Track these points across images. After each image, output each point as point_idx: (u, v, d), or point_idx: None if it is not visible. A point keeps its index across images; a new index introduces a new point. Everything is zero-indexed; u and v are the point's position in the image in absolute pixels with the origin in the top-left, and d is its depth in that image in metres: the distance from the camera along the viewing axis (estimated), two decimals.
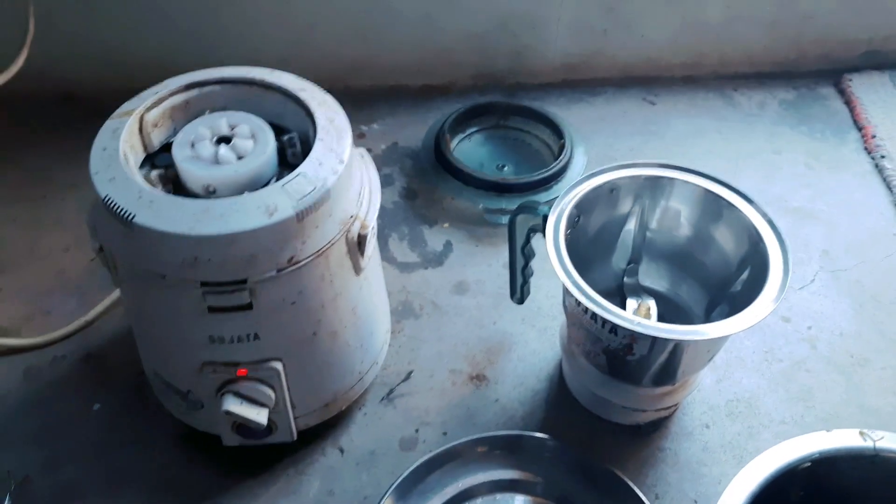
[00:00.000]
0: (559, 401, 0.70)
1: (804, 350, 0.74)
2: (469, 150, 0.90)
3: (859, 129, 0.94)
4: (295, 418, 0.62)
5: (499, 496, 0.63)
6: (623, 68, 1.00)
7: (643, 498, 0.60)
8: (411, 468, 0.63)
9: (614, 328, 0.58)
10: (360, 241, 0.57)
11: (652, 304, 0.67)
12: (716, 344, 0.60)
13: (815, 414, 0.69)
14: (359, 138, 0.93)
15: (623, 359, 0.61)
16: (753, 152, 0.92)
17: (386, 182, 0.89)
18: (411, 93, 0.99)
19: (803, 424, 0.69)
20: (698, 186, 0.62)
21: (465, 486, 0.63)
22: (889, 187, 0.88)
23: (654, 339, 0.57)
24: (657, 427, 0.68)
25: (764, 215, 0.60)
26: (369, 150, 0.92)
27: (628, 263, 0.69)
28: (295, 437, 0.63)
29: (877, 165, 0.90)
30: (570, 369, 0.69)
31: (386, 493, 0.61)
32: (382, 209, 0.86)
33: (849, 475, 0.53)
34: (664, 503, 0.63)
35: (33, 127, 0.92)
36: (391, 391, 0.71)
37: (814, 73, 1.01)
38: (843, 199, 0.88)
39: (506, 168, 0.89)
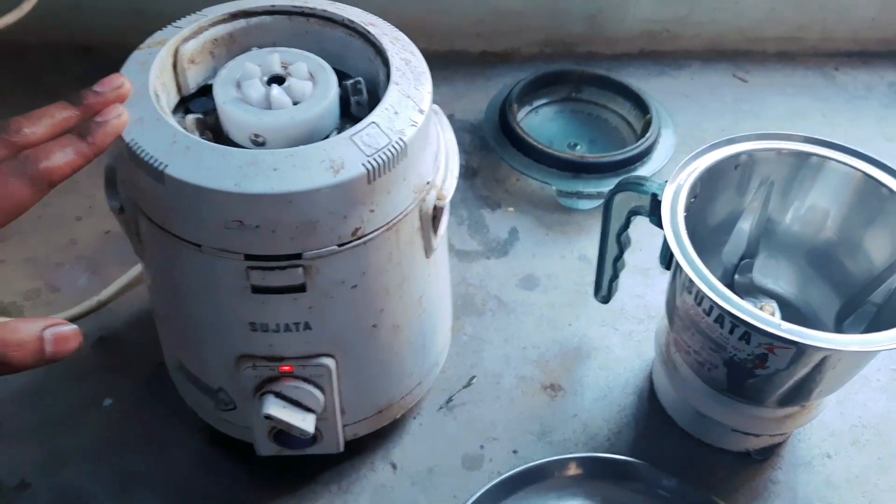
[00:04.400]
0: (650, 419, 0.59)
1: None
2: (537, 124, 0.79)
3: None
4: (344, 426, 0.52)
5: None
6: (711, 40, 0.88)
7: None
8: (482, 491, 0.52)
9: (747, 334, 0.47)
10: (436, 215, 0.47)
11: (774, 306, 0.56)
12: (866, 359, 0.49)
13: None
14: None
15: (751, 372, 0.49)
16: (862, 139, 0.81)
17: None
18: (470, 59, 0.88)
19: None
20: (856, 170, 0.51)
21: None
22: None
23: (803, 348, 0.46)
24: (768, 455, 0.57)
25: None
26: None
27: (741, 259, 0.58)
28: (342, 448, 0.52)
29: None
30: (667, 383, 0.58)
31: None
32: None
33: None
34: None
35: (48, 82, 0.81)
36: (451, 398, 0.60)
37: None
38: None
39: (578, 147, 0.78)
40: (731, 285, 0.58)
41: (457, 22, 0.87)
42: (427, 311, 0.52)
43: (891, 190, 0.49)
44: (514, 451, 0.57)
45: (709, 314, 0.48)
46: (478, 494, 0.52)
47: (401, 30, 0.49)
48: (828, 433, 0.59)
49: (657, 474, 0.54)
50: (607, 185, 0.64)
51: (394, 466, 0.56)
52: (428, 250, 0.48)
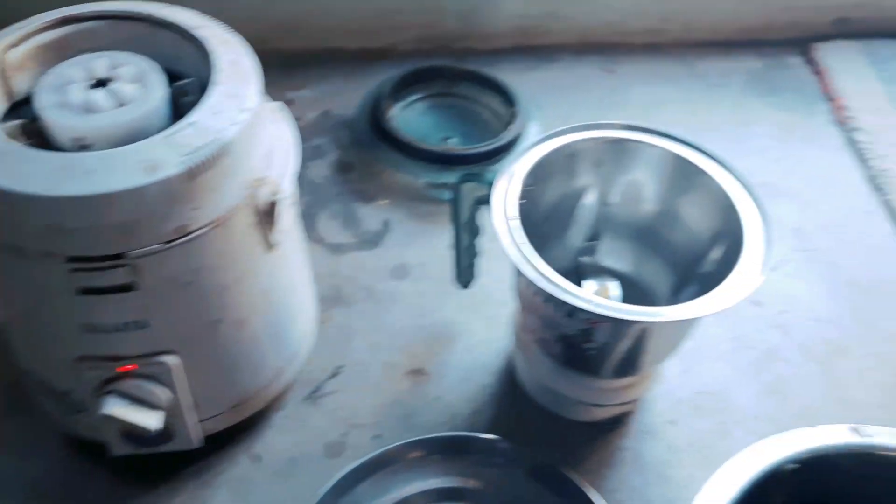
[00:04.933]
0: (510, 397, 0.62)
1: (776, 337, 0.68)
2: (411, 119, 0.82)
3: (829, 100, 0.88)
4: (200, 421, 0.53)
5: None
6: (581, 34, 0.92)
7: None
8: (336, 479, 0.54)
9: (572, 311, 0.50)
10: (271, 210, 0.48)
11: (613, 285, 0.59)
12: (687, 328, 0.53)
13: (791, 408, 0.62)
14: (286, 105, 0.84)
15: (581, 347, 0.52)
16: (719, 124, 0.85)
17: (316, 154, 0.79)
18: (347, 56, 0.89)
19: (779, 420, 0.62)
20: (667, 151, 0.55)
21: (400, 496, 0.54)
22: (862, 162, 0.82)
23: (618, 322, 0.49)
24: (617, 424, 0.61)
25: (742, 183, 0.52)
26: (298, 119, 0.82)
27: (586, 241, 0.61)
28: (198, 443, 0.53)
29: (849, 139, 0.84)
30: (522, 362, 0.61)
31: None
32: (312, 184, 0.77)
33: (839, 476, 0.46)
34: None
35: None
36: (316, 389, 0.62)
37: (781, 42, 0.94)
38: (815, 173, 0.81)
39: (452, 140, 0.80)
40: (577, 267, 0.61)
41: (334, 20, 0.89)
42: (276, 304, 0.53)
43: (698, 168, 0.53)
44: (378, 437, 0.59)
45: (539, 295, 0.51)
46: (333, 482, 0.54)
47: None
48: (672, 401, 0.62)
49: (512, 449, 0.56)
50: None
51: (255, 459, 0.57)
52: (269, 245, 0.50)
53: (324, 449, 0.58)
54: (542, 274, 0.48)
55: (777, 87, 0.90)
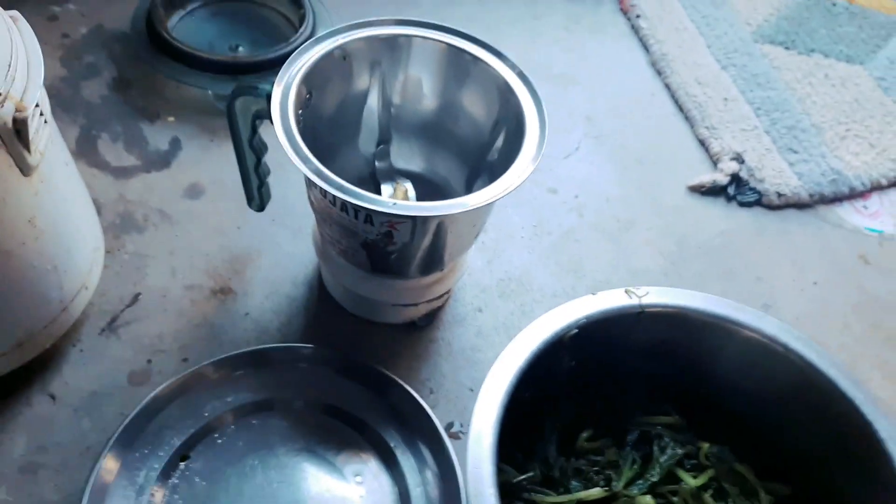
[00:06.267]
0: (321, 307, 0.62)
1: (573, 220, 0.71)
2: (193, 28, 0.76)
3: None
4: None
5: (255, 420, 0.54)
6: None
7: (413, 393, 0.54)
8: (140, 405, 0.52)
9: (369, 216, 0.49)
10: (20, 130, 0.44)
11: (408, 186, 0.60)
12: (479, 216, 0.54)
13: (587, 283, 0.67)
14: (49, 21, 0.76)
15: (384, 250, 0.53)
16: (514, 19, 0.86)
17: (90, 72, 0.73)
18: None
19: (575, 295, 0.64)
20: (440, 43, 0.54)
21: (211, 415, 0.53)
22: (645, 47, 0.86)
23: (415, 220, 0.49)
24: (430, 320, 0.62)
25: (514, 68, 0.53)
26: (66, 36, 0.75)
27: (377, 145, 0.61)
28: None
29: (633, 26, 0.88)
30: (328, 273, 0.61)
31: (111, 439, 0.50)
32: (88, 105, 0.71)
33: (618, 335, 0.50)
34: (439, 396, 0.58)
35: None
36: (114, 319, 0.59)
37: None
38: (603, 62, 0.85)
39: (241, 48, 0.76)
40: (374, 174, 0.61)
41: None
42: (46, 232, 0.49)
43: (473, 56, 0.53)
44: (185, 360, 0.57)
45: (334, 204, 0.50)
46: (138, 408, 0.52)
47: None
48: (479, 290, 0.65)
49: (319, 353, 0.57)
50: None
51: (52, 397, 0.54)
52: (25, 169, 0.45)
53: (128, 379, 0.56)
54: (334, 183, 0.47)
55: None
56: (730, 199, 0.75)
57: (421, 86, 0.56)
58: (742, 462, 0.50)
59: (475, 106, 0.56)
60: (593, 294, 0.49)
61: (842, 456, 0.47)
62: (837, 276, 0.70)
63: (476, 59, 0.53)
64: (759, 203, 0.75)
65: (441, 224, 0.51)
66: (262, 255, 0.64)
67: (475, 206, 0.49)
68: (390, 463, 0.53)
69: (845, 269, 0.71)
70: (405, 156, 0.61)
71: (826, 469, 0.49)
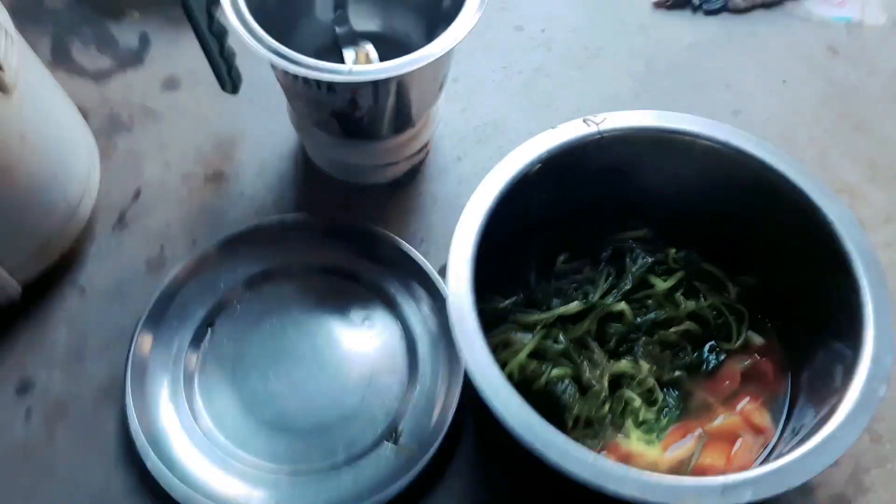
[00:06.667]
0: (309, 177, 0.66)
1: (541, 55, 0.73)
2: None
3: None
4: (10, 274, 0.54)
5: (266, 288, 0.59)
6: None
7: (403, 243, 0.59)
8: (162, 287, 0.57)
9: (330, 86, 0.52)
10: None
11: (370, 48, 0.61)
12: (438, 68, 0.56)
13: (560, 115, 0.68)
14: None
15: (353, 116, 0.55)
16: None
17: None
18: None
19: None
20: None
21: (226, 287, 0.59)
22: None
23: (375, 84, 0.52)
24: (414, 175, 0.66)
25: None
26: None
27: (335, 10, 0.62)
28: (17, 295, 0.55)
29: None
30: (310, 145, 0.64)
31: (142, 319, 0.56)
32: (52, 14, 0.72)
33: (582, 163, 0.53)
34: (429, 245, 0.62)
35: None
36: (122, 215, 0.63)
37: None
38: None
39: None
40: (336, 39, 0.62)
41: None
42: (39, 145, 0.53)
43: None
44: (194, 242, 0.62)
45: (297, 80, 0.52)
46: (159, 290, 0.57)
47: None
48: (457, 140, 0.68)
49: (312, 220, 0.61)
50: None
51: (83, 289, 0.60)
52: (2, 87, 0.48)
53: (146, 266, 0.61)
54: (290, 58, 0.50)
55: None
56: (695, 9, 0.75)
57: None
58: (710, 263, 0.55)
59: None
60: (554, 128, 0.52)
61: (799, 244, 0.52)
62: (806, 72, 0.72)
63: None
64: (725, 9, 0.75)
65: (401, 83, 0.53)
66: (245, 137, 0.67)
67: (429, 60, 0.51)
68: (392, 305, 0.58)
69: (813, 63, 0.72)
70: (364, 17, 0.63)
71: (788, 259, 0.53)
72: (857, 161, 0.67)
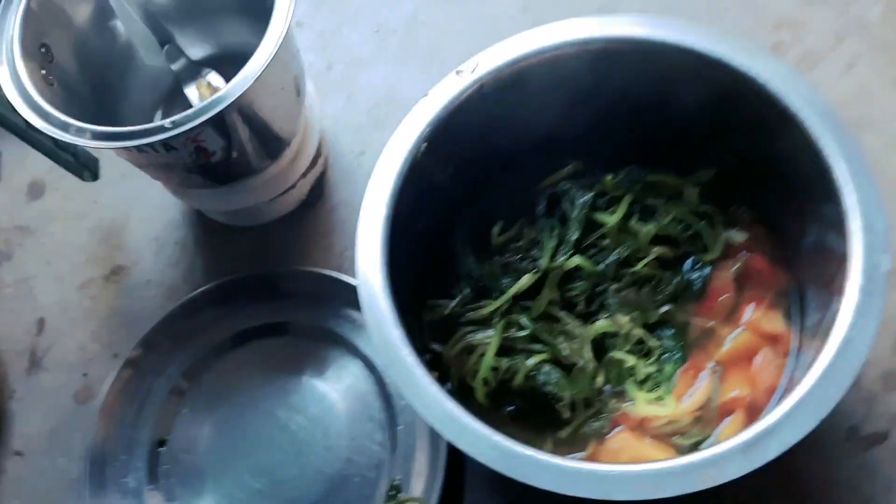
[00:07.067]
0: (211, 236, 0.59)
1: (410, 3, 0.64)
2: None
3: None
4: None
5: (205, 377, 0.53)
6: None
7: (332, 275, 0.52)
8: (95, 423, 0.51)
9: (166, 145, 0.44)
10: None
11: (212, 77, 0.54)
12: (278, 72, 0.47)
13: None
14: None
15: (213, 163, 0.48)
16: None
17: None
18: None
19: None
20: None
21: (163, 395, 0.52)
22: None
23: (210, 122, 0.44)
24: (321, 190, 0.58)
25: None
26: None
27: (163, 48, 0.53)
28: None
29: None
30: (195, 204, 0.57)
31: (86, 469, 0.50)
32: None
33: (472, 125, 0.45)
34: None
35: None
36: (32, 355, 0.57)
37: None
38: None
39: None
40: (177, 79, 0.54)
41: None
42: None
43: None
44: (115, 355, 0.56)
45: (141, 152, 0.45)
46: (92, 431, 0.51)
47: None
48: (353, 133, 0.60)
49: (224, 286, 0.54)
50: None
51: (19, 454, 0.54)
52: None
53: (74, 400, 0.55)
54: (109, 135, 0.43)
55: None
56: None
57: None
58: (655, 172, 0.48)
59: None
60: (426, 95, 0.45)
61: (742, 116, 0.44)
62: None
63: None
64: None
65: (242, 109, 0.46)
66: (130, 218, 0.60)
67: (258, 73, 0.44)
68: (343, 344, 0.51)
69: None
70: (196, 43, 0.55)
71: (737, 135, 0.45)
72: None
